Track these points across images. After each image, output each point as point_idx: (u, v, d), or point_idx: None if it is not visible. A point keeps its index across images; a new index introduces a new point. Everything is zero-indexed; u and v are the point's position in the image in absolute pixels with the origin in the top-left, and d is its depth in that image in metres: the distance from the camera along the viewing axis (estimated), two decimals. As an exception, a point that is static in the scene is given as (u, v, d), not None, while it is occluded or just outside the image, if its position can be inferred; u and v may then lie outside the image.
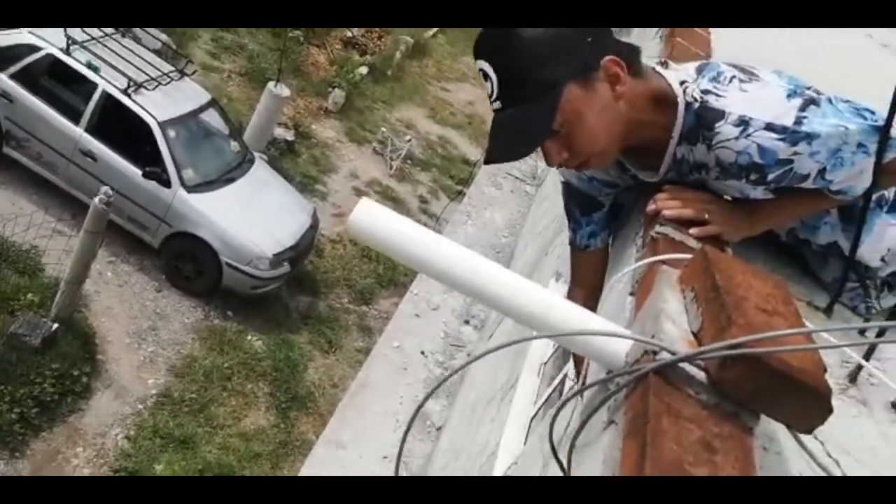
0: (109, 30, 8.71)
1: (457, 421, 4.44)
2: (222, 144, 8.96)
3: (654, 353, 1.00)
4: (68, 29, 7.92)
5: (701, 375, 0.99)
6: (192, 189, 8.10)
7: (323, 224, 9.50)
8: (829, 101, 1.34)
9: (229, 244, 8.05)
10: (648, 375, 0.98)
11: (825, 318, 1.53)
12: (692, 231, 1.37)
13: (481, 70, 1.36)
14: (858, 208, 1.41)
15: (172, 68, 8.80)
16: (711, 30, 2.89)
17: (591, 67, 1.34)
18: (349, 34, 13.83)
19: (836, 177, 1.35)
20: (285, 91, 10.36)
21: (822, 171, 1.34)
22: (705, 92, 1.37)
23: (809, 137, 1.30)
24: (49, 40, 7.98)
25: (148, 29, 10.07)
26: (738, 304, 1.02)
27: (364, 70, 13.40)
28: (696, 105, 1.37)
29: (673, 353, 0.98)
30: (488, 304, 1.12)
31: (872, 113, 1.33)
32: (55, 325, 6.65)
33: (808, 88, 1.40)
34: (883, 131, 1.30)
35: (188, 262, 8.24)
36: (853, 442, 1.24)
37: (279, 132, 10.98)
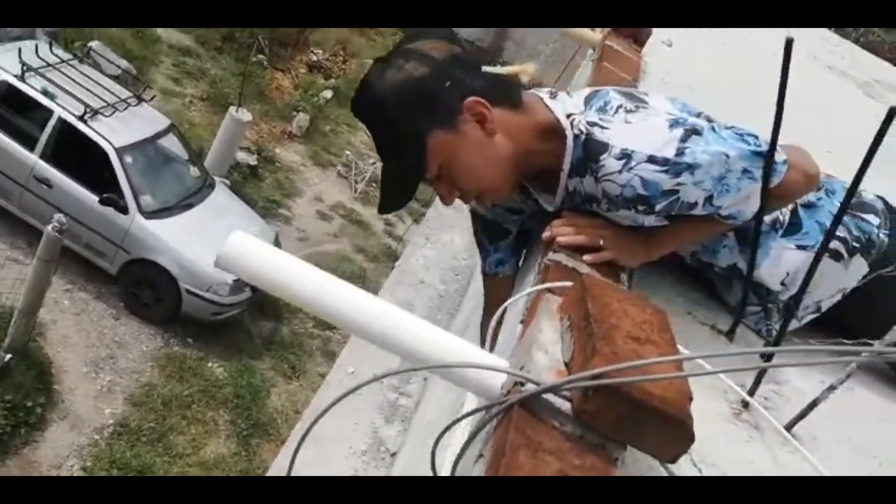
0: (66, 56, 8.64)
1: (411, 446, 4.39)
2: (181, 170, 8.88)
3: (522, 384, 0.99)
4: (23, 55, 7.85)
5: (566, 406, 0.98)
6: (149, 215, 8.02)
7: (286, 248, 9.40)
8: (713, 128, 1.34)
9: (188, 270, 7.96)
10: (514, 407, 0.97)
11: (727, 342, 1.53)
12: (585, 257, 1.36)
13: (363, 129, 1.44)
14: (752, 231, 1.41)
15: (130, 94, 8.73)
16: (643, 53, 2.92)
17: (454, 111, 1.38)
18: (314, 58, 13.85)
19: (723, 202, 1.35)
20: (247, 115, 10.33)
21: (709, 198, 1.34)
22: (591, 124, 1.38)
23: (692, 168, 1.30)
24: (3, 67, 7.89)
25: (107, 55, 9.99)
26: (606, 334, 1.01)
27: (328, 94, 13.40)
28: (583, 137, 1.38)
29: (538, 384, 0.98)
30: (366, 338, 1.11)
31: (756, 138, 1.34)
32: (8, 356, 6.54)
33: (698, 115, 1.41)
34: (767, 156, 1.31)
35: (146, 289, 8.13)
36: (741, 468, 1.24)
37: (242, 157, 10.92)
